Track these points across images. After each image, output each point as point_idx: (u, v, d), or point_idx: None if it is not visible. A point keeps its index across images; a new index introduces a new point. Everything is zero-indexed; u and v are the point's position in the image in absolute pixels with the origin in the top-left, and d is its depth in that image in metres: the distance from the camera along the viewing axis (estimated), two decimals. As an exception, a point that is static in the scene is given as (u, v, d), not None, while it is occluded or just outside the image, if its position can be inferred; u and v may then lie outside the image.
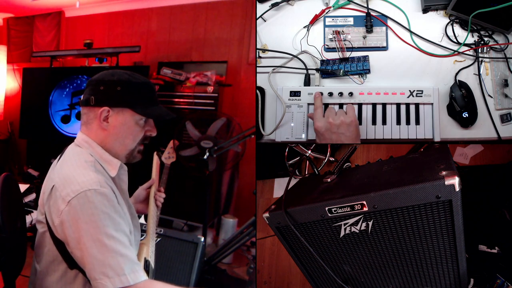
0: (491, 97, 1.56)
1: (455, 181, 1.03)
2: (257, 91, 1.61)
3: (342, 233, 1.24)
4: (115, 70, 1.20)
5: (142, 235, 1.36)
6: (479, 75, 1.56)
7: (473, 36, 1.57)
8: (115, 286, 1.00)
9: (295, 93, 1.58)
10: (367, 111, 1.56)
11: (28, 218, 2.72)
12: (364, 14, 1.60)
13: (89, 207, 1.03)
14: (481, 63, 1.57)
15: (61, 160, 1.19)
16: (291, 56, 1.61)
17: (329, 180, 1.39)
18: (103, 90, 1.16)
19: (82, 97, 1.21)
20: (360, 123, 1.55)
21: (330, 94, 1.56)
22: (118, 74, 1.18)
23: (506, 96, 1.56)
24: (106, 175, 1.16)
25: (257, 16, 1.64)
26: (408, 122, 1.54)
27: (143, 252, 1.32)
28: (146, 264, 1.30)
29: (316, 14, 1.61)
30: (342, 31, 1.60)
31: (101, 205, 1.03)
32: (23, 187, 3.25)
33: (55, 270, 1.15)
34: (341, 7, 1.62)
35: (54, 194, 1.09)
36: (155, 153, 1.65)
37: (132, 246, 1.10)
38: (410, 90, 1.54)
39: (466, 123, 1.55)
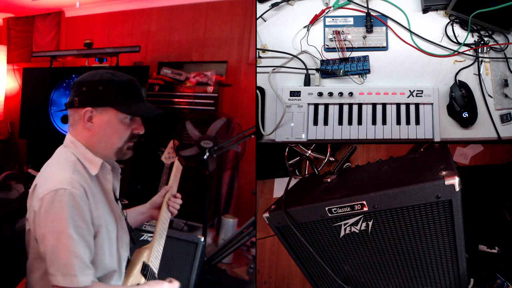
0: (491, 97, 1.56)
1: (455, 181, 1.03)
2: (257, 91, 1.61)
3: (342, 233, 1.24)
4: (99, 70, 1.20)
5: (141, 236, 1.36)
6: (479, 75, 1.56)
7: (473, 36, 1.57)
8: (66, 284, 1.05)
9: (295, 93, 1.58)
10: (367, 111, 1.56)
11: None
12: (364, 14, 1.60)
13: (56, 206, 1.06)
14: (481, 63, 1.57)
15: (48, 160, 1.22)
16: (291, 56, 1.61)
17: (329, 180, 1.39)
18: (85, 90, 1.17)
19: (67, 99, 1.22)
20: (360, 123, 1.55)
21: (330, 94, 1.56)
22: (100, 73, 1.19)
23: (506, 96, 1.56)
24: (86, 174, 1.17)
25: (257, 16, 1.64)
26: (408, 122, 1.54)
27: (143, 256, 1.33)
28: (145, 268, 1.31)
29: (316, 14, 1.61)
30: (342, 31, 1.60)
31: (66, 206, 1.06)
32: (23, 187, 3.24)
33: (37, 268, 1.17)
34: (341, 7, 1.62)
35: (35, 193, 1.12)
36: (176, 158, 1.63)
37: (91, 251, 1.11)
38: (410, 90, 1.54)
39: (466, 123, 1.55)
